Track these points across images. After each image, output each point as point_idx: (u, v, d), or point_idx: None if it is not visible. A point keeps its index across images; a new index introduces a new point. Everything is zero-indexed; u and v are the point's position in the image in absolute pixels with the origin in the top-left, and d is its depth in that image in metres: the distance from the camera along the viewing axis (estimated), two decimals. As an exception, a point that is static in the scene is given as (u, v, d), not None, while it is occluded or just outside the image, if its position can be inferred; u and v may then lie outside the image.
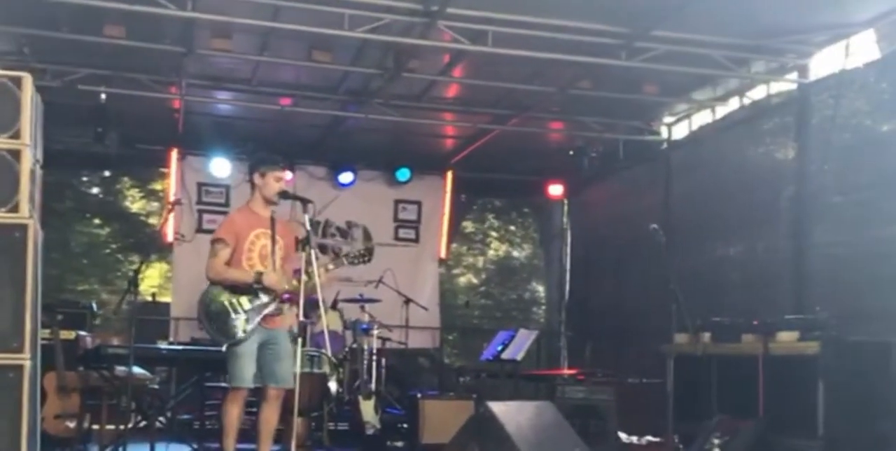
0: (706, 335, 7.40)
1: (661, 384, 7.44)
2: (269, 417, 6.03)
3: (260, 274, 5.93)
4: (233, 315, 5.91)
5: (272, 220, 6.11)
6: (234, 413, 5.94)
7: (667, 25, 7.46)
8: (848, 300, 7.12)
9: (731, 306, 8.31)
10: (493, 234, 14.76)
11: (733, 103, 9.37)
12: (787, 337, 6.70)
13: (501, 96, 9.55)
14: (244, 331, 5.90)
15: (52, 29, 7.58)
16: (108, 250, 13.37)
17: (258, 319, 5.94)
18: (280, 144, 11.00)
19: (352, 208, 11.78)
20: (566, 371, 9.49)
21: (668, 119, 10.37)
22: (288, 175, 6.39)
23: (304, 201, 6.03)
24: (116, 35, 7.54)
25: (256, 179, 6.15)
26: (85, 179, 13.16)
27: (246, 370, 5.90)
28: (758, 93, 9.01)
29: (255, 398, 6.20)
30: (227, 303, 5.93)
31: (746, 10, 7.18)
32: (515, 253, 14.78)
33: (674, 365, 7.35)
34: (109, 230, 13.39)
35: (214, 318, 5.94)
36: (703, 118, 9.94)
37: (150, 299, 11.50)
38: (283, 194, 6.20)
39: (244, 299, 5.95)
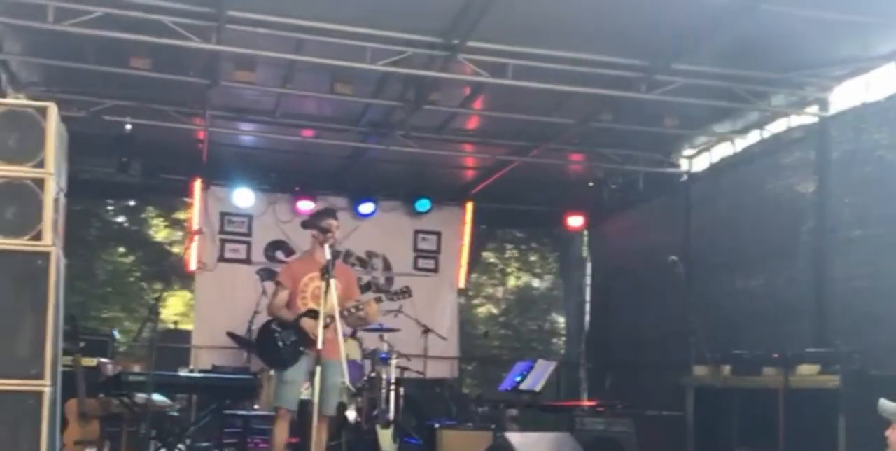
0: (726, 368, 7.34)
1: (681, 416, 7.40)
2: (318, 438, 6.39)
3: (300, 317, 6.63)
4: (280, 345, 6.65)
5: (327, 264, 6.40)
6: (278, 431, 6.66)
7: (687, 58, 7.50)
8: (869, 334, 7.06)
9: (751, 338, 8.25)
10: (513, 264, 14.76)
11: (753, 136, 9.35)
12: (807, 370, 6.63)
13: (521, 128, 9.58)
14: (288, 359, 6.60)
15: (79, 60, 7.71)
16: (132, 278, 13.49)
17: (301, 349, 6.57)
18: (302, 174, 11.14)
19: (372, 238, 11.84)
20: (586, 403, 9.43)
21: (688, 151, 10.37)
22: (335, 222, 6.85)
23: (325, 231, 6.28)
24: (142, 67, 7.65)
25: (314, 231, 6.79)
26: (110, 208, 13.31)
27: (289, 394, 6.63)
28: (778, 126, 8.99)
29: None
30: (276, 335, 6.69)
31: (767, 44, 7.21)
32: (535, 283, 14.77)
33: (694, 397, 7.30)
34: (134, 259, 13.51)
35: (266, 349, 6.81)
36: (723, 151, 9.92)
37: (172, 326, 11.58)
38: (304, 224, 6.58)
39: (290, 332, 6.67)
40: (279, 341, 6.65)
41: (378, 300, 7.12)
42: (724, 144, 9.86)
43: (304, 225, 6.98)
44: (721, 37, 6.95)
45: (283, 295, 6.78)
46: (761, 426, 6.82)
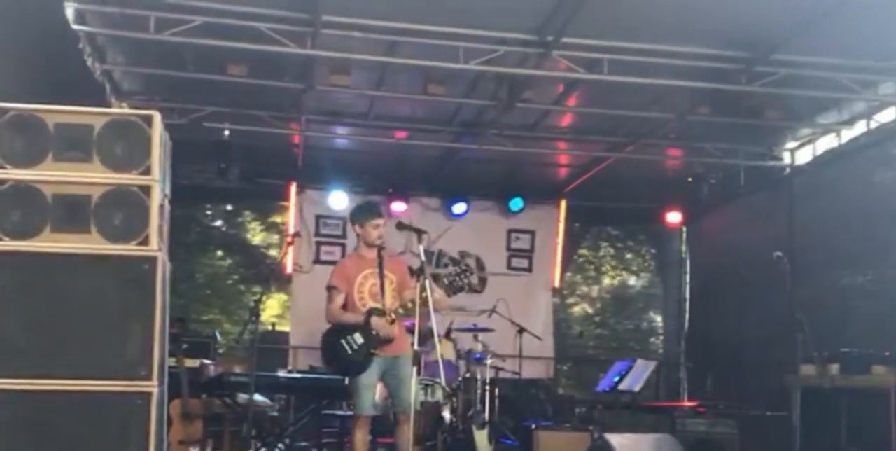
0: (834, 367, 7.13)
1: (787, 417, 7.18)
2: (401, 439, 6.39)
3: (369, 316, 6.45)
4: (349, 352, 6.45)
5: (379, 259, 6.60)
6: (358, 438, 6.47)
7: (788, 49, 7.29)
8: None
9: (860, 336, 7.97)
10: (609, 262, 14.56)
11: (860, 127, 9.04)
12: (921, 369, 6.41)
13: (617, 124, 9.46)
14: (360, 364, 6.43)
15: (179, 69, 7.89)
16: (230, 281, 13.73)
17: (372, 351, 6.44)
18: (395, 176, 11.20)
19: (465, 239, 11.84)
20: (686, 403, 9.24)
21: (790, 144, 10.07)
22: (382, 221, 6.80)
23: (419, 232, 6.40)
24: (239, 73, 7.80)
25: (357, 229, 6.76)
26: (209, 212, 13.59)
27: (366, 400, 6.44)
28: (886, 116, 8.68)
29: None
30: (343, 341, 6.47)
31: (873, 31, 6.96)
32: (632, 282, 14.53)
33: (800, 398, 7.09)
34: (232, 262, 13.76)
35: (334, 356, 6.55)
36: (828, 143, 9.62)
37: (270, 328, 11.77)
38: (399, 225, 6.76)
39: (357, 335, 6.47)
40: (347, 346, 6.46)
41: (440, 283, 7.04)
42: (829, 136, 9.55)
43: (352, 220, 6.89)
44: (824, 25, 6.72)
45: (340, 299, 6.59)
46: (871, 428, 6.62)
